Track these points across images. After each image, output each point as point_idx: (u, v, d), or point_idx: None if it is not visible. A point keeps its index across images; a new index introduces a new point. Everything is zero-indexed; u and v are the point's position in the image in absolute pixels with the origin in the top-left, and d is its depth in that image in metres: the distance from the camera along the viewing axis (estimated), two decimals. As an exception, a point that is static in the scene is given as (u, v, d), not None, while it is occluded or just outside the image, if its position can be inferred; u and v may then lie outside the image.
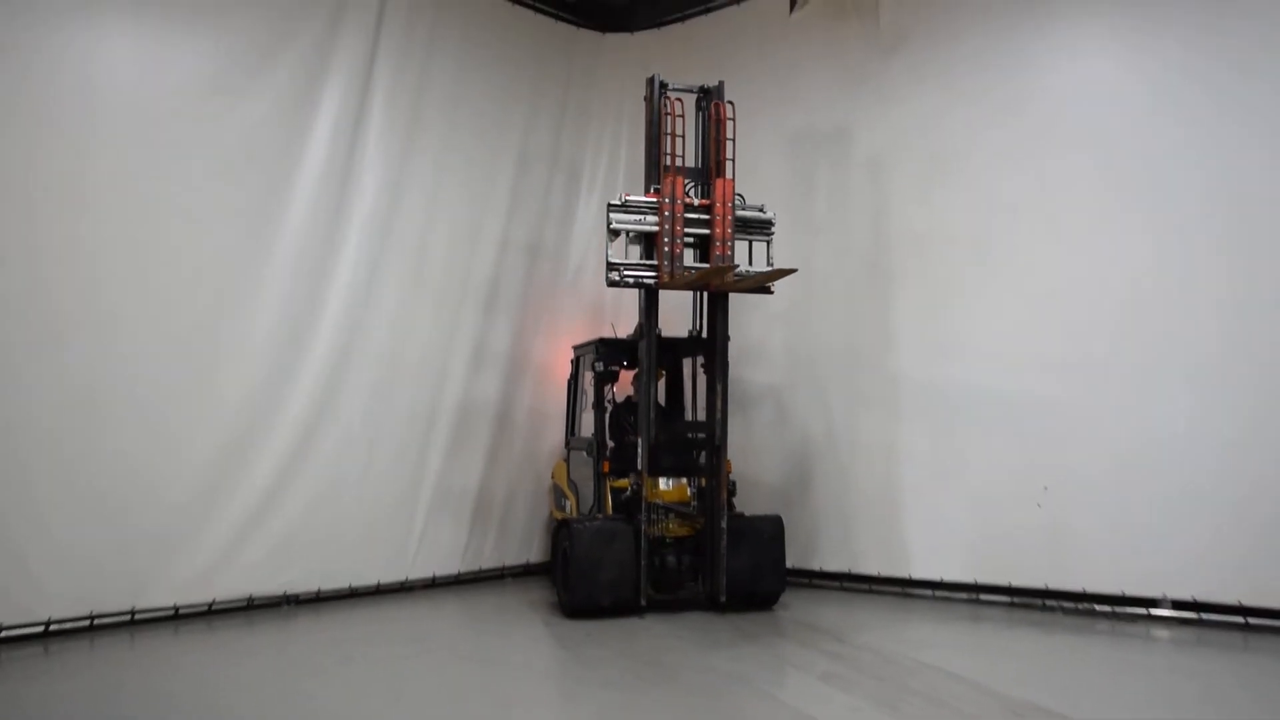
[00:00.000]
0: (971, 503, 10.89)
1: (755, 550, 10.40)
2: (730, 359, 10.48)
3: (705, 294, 10.62)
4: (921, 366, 11.21)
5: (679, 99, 10.25)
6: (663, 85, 10.21)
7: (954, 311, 11.01)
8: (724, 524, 10.17)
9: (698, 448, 10.58)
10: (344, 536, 11.16)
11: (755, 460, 12.37)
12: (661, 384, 11.64)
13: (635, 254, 10.11)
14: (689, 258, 10.04)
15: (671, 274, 9.74)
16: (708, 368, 10.45)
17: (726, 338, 10.27)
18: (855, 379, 11.79)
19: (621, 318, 12.71)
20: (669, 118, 10.19)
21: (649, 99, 10.30)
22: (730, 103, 10.14)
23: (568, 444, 12.38)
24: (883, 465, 11.52)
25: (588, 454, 11.28)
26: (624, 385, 11.87)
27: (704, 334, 10.57)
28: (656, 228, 9.91)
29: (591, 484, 10.96)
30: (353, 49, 11.27)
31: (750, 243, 10.26)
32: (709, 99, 10.38)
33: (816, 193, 12.06)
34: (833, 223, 11.95)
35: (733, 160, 10.04)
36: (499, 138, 12.63)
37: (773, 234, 10.24)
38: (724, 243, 9.83)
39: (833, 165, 12.02)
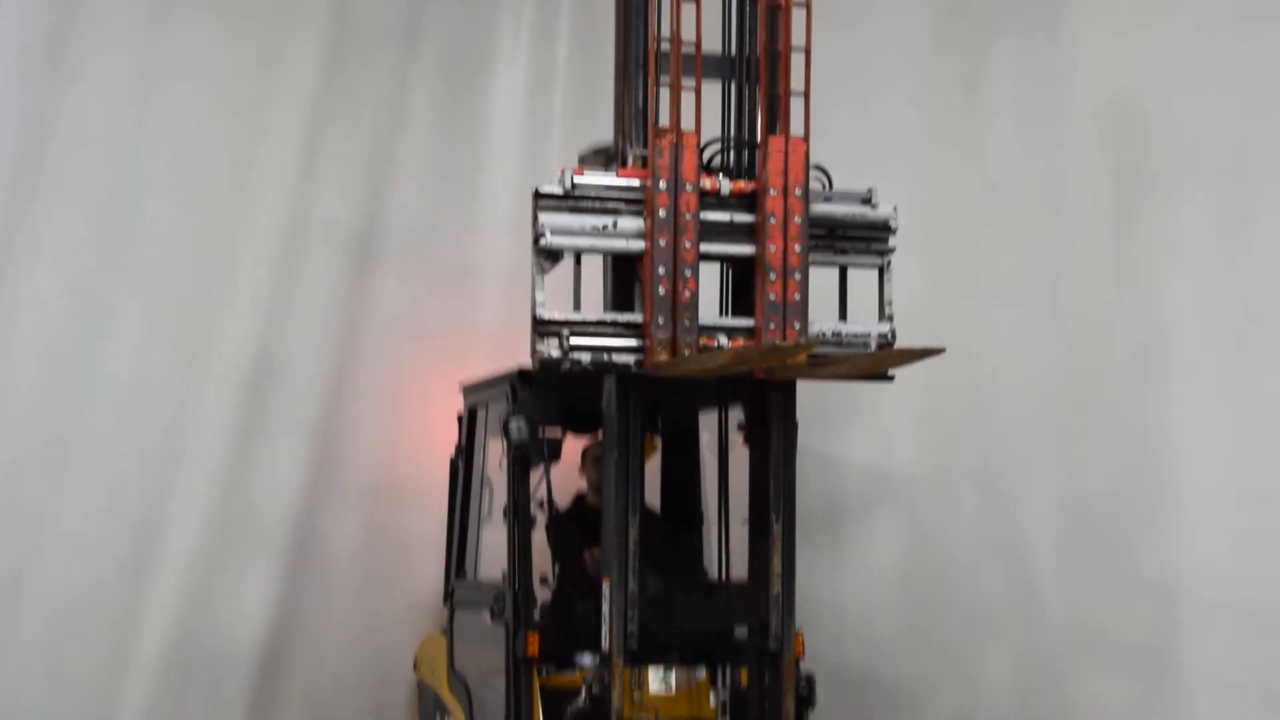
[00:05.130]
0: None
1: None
2: (801, 421, 6.26)
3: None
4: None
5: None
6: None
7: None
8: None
9: (729, 610, 6.97)
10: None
11: (854, 627, 8.09)
12: (654, 464, 7.43)
13: (595, 300, 6.02)
14: (705, 312, 5.98)
15: (674, 345, 5.81)
16: (754, 438, 6.50)
17: (793, 432, 6.23)
18: (1085, 458, 7.53)
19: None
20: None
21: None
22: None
23: (451, 596, 7.97)
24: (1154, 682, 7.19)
25: (494, 616, 7.03)
26: (568, 469, 7.56)
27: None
28: (640, 243, 5.96)
29: (501, 682, 6.98)
30: None
31: (841, 269, 6.22)
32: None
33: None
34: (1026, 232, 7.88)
35: (805, 96, 5.82)
36: None
37: (890, 252, 6.25)
38: (785, 273, 5.87)
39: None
